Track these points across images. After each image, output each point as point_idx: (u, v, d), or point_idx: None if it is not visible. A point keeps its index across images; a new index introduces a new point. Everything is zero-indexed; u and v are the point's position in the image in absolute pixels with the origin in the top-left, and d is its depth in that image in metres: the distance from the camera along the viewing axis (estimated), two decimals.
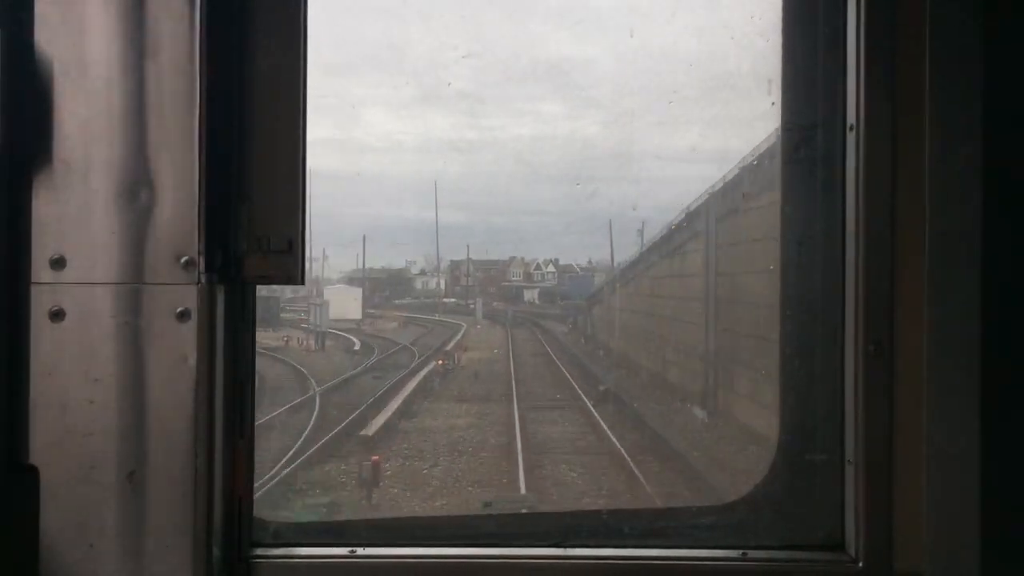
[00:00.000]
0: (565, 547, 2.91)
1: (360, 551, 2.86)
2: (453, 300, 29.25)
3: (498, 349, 24.14)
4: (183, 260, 2.53)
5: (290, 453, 12.23)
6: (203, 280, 2.55)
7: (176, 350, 2.54)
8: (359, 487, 11.32)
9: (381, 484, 11.40)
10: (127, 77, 2.53)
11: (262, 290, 2.91)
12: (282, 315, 22.15)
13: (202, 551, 2.56)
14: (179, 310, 2.53)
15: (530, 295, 30.14)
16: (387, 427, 14.45)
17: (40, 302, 2.53)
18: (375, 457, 11.83)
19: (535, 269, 29.31)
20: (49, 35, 2.53)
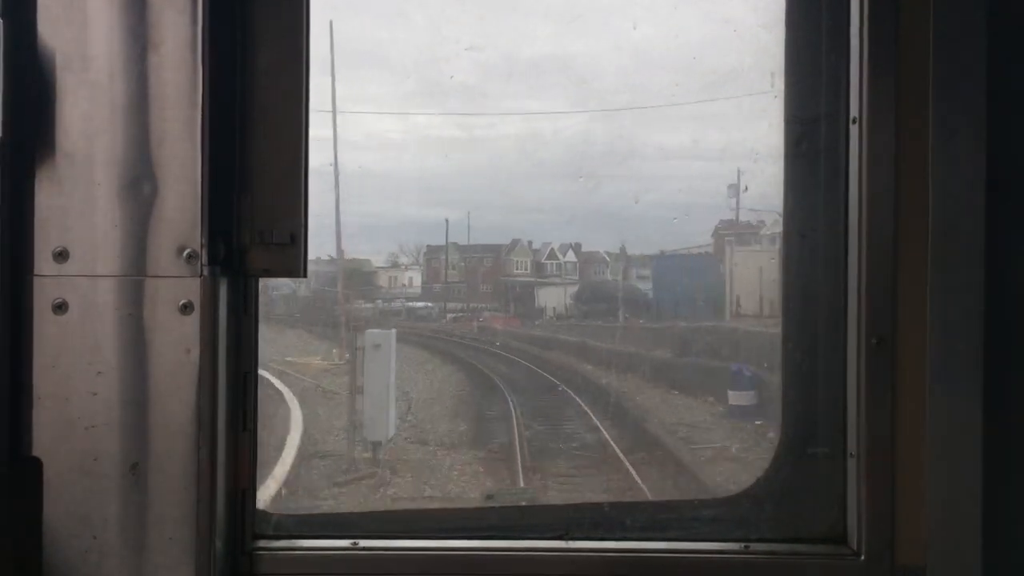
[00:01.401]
0: (567, 540, 2.91)
1: (363, 543, 2.87)
2: (423, 305, 18.17)
3: None
4: (186, 253, 2.54)
5: None
6: (206, 273, 2.55)
7: (179, 343, 2.54)
8: None
9: None
10: (129, 70, 2.53)
11: None
12: None
13: (205, 543, 2.56)
14: (182, 303, 2.54)
15: (550, 298, 17.66)
16: None
17: (43, 294, 2.54)
18: None
19: (547, 258, 18.50)
20: (51, 27, 2.53)
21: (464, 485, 9.17)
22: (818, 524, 2.92)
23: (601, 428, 9.66)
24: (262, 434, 2.85)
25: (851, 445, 2.84)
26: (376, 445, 9.27)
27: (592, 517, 3.00)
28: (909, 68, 2.72)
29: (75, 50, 2.53)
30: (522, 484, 9.20)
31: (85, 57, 2.53)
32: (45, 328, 2.54)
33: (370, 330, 10.21)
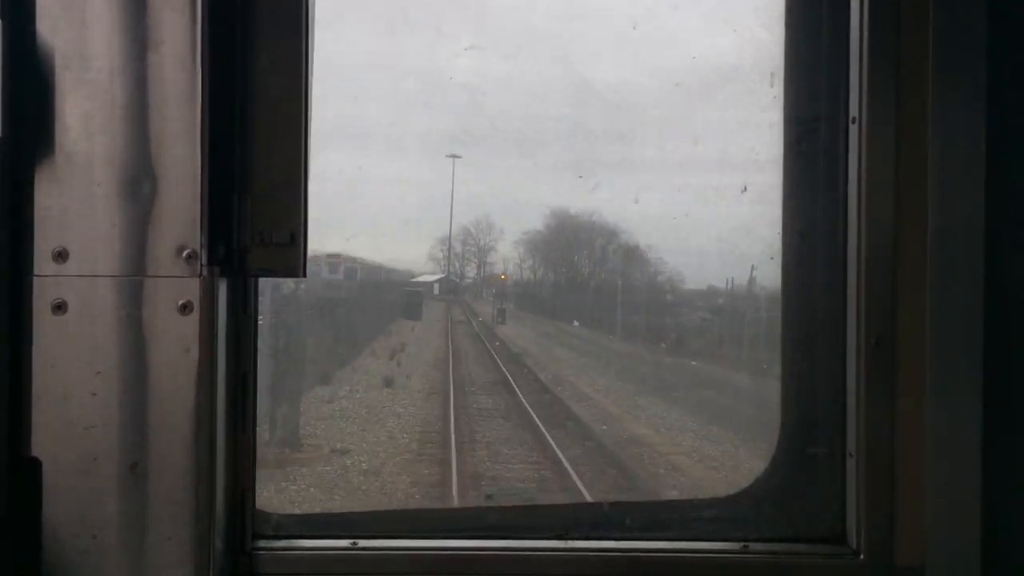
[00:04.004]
0: (567, 539, 2.91)
1: (362, 543, 2.87)
2: None
3: None
4: (185, 253, 2.54)
5: None
6: (205, 273, 2.55)
7: (178, 343, 2.54)
8: None
9: None
10: (129, 69, 2.53)
11: None
12: None
13: (205, 543, 2.56)
14: (181, 302, 2.54)
15: None
16: None
17: (42, 295, 2.54)
18: None
19: None
20: (51, 27, 2.52)
21: None
22: (817, 524, 2.92)
23: None
24: None
25: (850, 445, 2.84)
26: None
27: (591, 517, 3.00)
28: (909, 68, 2.73)
29: (75, 50, 2.53)
30: None
31: (85, 57, 2.53)
32: (44, 328, 2.54)
33: None
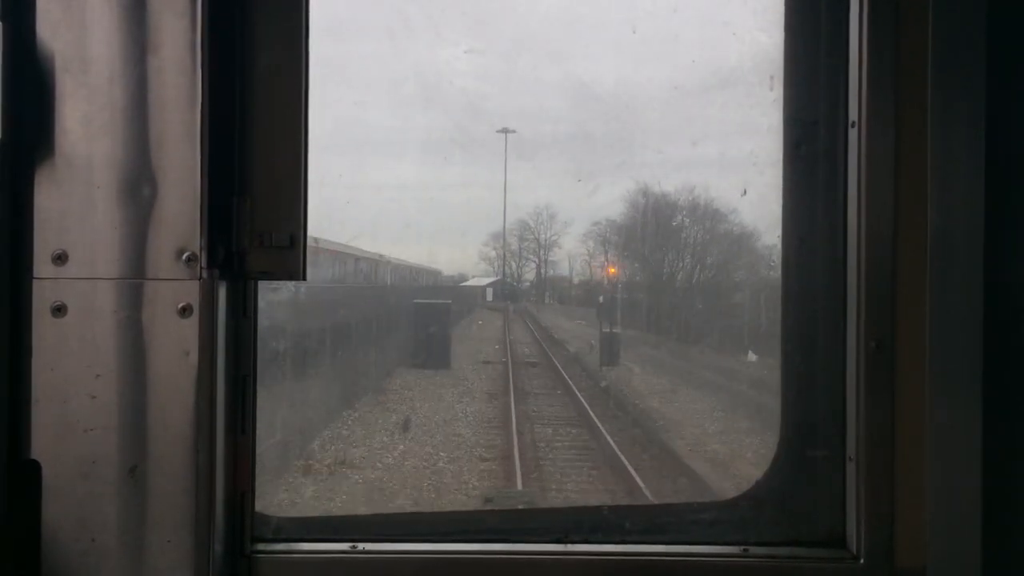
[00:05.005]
0: (566, 543, 2.91)
1: (361, 546, 2.87)
2: None
3: None
4: (185, 255, 2.54)
5: None
6: (205, 276, 2.55)
7: (178, 345, 2.54)
8: None
9: None
10: (129, 72, 2.54)
11: None
12: None
13: (204, 546, 2.56)
14: (181, 305, 2.54)
15: None
16: None
17: (42, 297, 2.54)
18: None
19: None
20: (51, 30, 2.53)
21: None
22: (818, 527, 2.92)
23: None
24: None
25: (850, 448, 2.84)
26: None
27: (591, 520, 3.00)
28: (908, 72, 2.73)
29: (75, 53, 2.53)
30: None
31: (85, 60, 2.53)
32: (44, 331, 2.54)
33: None
